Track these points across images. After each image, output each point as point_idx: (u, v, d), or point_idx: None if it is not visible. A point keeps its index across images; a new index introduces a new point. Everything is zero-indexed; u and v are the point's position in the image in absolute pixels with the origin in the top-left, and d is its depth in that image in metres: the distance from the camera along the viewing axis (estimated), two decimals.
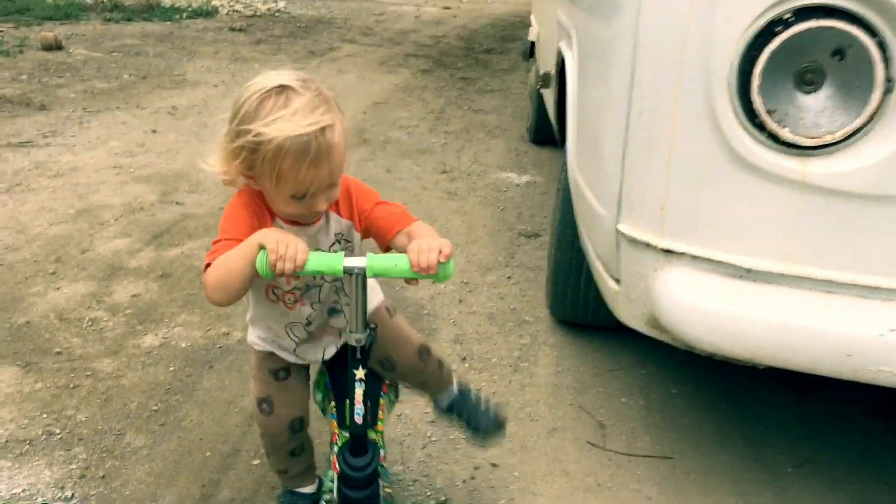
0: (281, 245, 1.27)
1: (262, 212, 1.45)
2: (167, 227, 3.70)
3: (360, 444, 1.50)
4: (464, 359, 2.69)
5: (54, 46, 8.03)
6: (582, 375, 2.61)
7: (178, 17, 10.90)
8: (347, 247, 1.56)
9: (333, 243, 1.54)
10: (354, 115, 6.18)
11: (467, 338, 2.83)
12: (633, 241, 1.85)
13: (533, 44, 5.58)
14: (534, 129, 5.39)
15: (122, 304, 2.96)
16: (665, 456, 2.22)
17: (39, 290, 3.01)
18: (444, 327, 2.91)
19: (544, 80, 3.31)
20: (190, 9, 11.68)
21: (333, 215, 1.52)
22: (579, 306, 2.72)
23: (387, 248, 1.52)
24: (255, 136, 1.30)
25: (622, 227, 1.88)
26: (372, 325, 1.46)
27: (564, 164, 2.59)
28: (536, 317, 3.00)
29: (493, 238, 3.79)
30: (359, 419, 1.46)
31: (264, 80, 1.36)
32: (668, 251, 1.79)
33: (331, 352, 1.69)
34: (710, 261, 1.75)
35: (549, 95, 3.49)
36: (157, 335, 2.74)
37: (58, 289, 3.03)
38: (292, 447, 1.74)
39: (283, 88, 1.33)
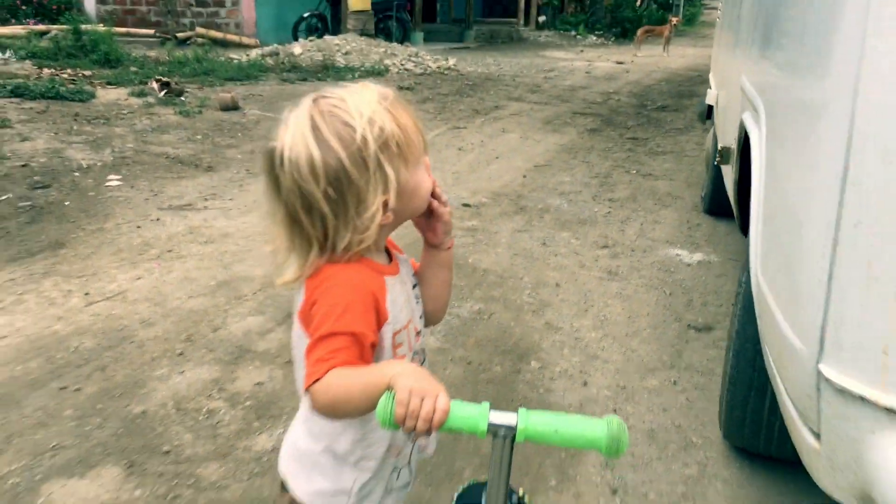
0: (414, 398, 0.99)
1: (373, 275, 1.20)
2: None
3: None
4: (615, 491, 2.24)
5: (230, 107, 8.31)
6: None
7: (350, 76, 11.14)
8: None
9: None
10: (513, 179, 5.88)
11: (620, 462, 2.38)
12: (842, 392, 1.38)
13: (710, 106, 5.08)
14: (709, 198, 4.86)
15: (243, 394, 2.74)
16: None
17: (163, 374, 2.85)
18: None
19: (723, 155, 2.85)
20: (363, 68, 11.95)
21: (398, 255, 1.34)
22: (761, 436, 2.21)
23: None
24: (378, 131, 1.13)
25: (826, 370, 1.41)
26: (519, 494, 1.14)
27: (747, 262, 2.12)
28: (706, 438, 2.51)
29: (657, 331, 3.32)
30: None
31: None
32: (893, 411, 1.31)
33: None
34: None
35: (728, 172, 3.01)
36: (271, 435, 2.49)
37: (182, 372, 2.87)
38: None
39: (316, 99, 1.16)
